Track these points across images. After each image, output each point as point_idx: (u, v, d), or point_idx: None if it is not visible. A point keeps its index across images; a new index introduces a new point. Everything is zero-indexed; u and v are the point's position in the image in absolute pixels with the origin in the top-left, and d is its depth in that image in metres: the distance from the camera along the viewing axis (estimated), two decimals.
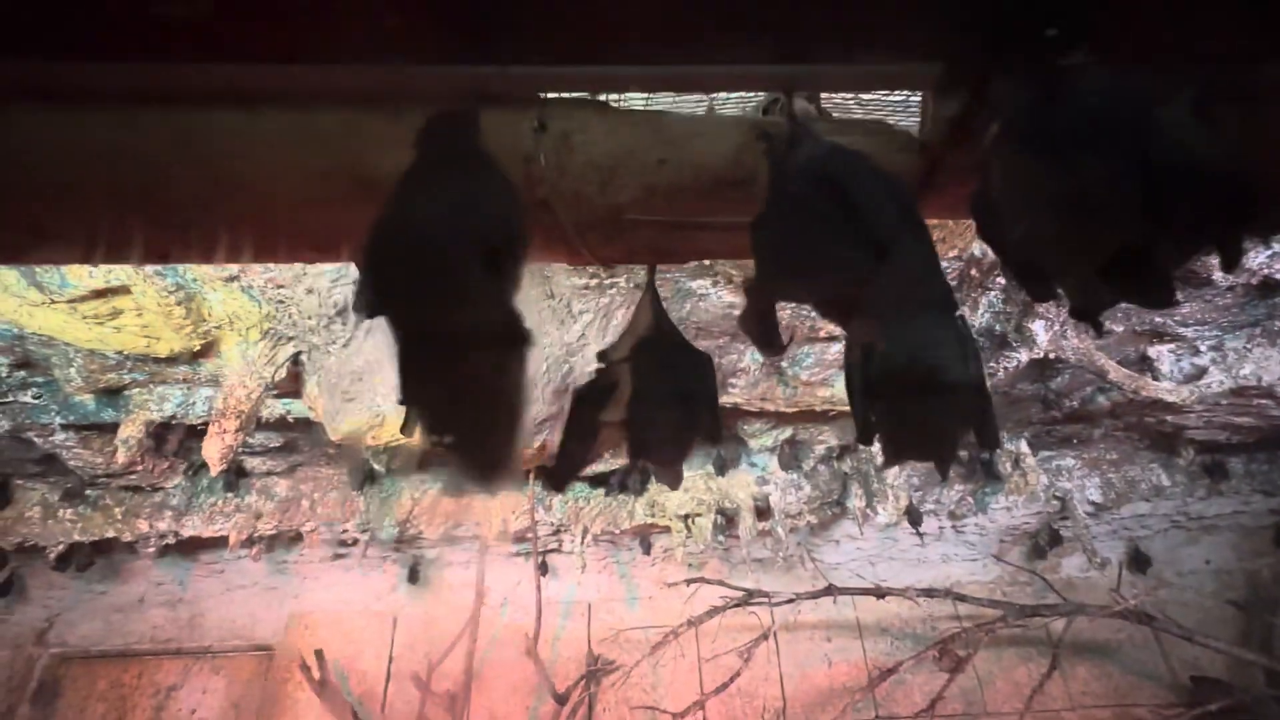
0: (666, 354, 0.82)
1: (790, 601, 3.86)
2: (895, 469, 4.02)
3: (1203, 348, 3.20)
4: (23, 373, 2.94)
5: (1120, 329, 3.01)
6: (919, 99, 0.66)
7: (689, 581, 3.89)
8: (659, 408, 0.81)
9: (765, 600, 3.82)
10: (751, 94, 0.90)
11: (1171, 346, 3.21)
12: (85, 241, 0.60)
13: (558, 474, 0.93)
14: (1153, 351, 3.19)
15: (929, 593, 4.03)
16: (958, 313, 0.70)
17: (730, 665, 4.50)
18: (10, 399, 3.05)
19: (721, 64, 0.51)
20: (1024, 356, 2.99)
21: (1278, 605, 4.92)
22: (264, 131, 0.54)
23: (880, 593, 3.97)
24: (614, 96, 0.63)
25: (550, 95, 0.58)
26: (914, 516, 4.39)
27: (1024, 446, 4.15)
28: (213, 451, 2.58)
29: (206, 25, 0.45)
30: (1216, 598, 5.12)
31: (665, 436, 0.81)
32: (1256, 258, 2.49)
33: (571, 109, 0.58)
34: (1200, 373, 3.25)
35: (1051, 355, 3.10)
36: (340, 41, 0.47)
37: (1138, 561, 5.18)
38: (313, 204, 0.56)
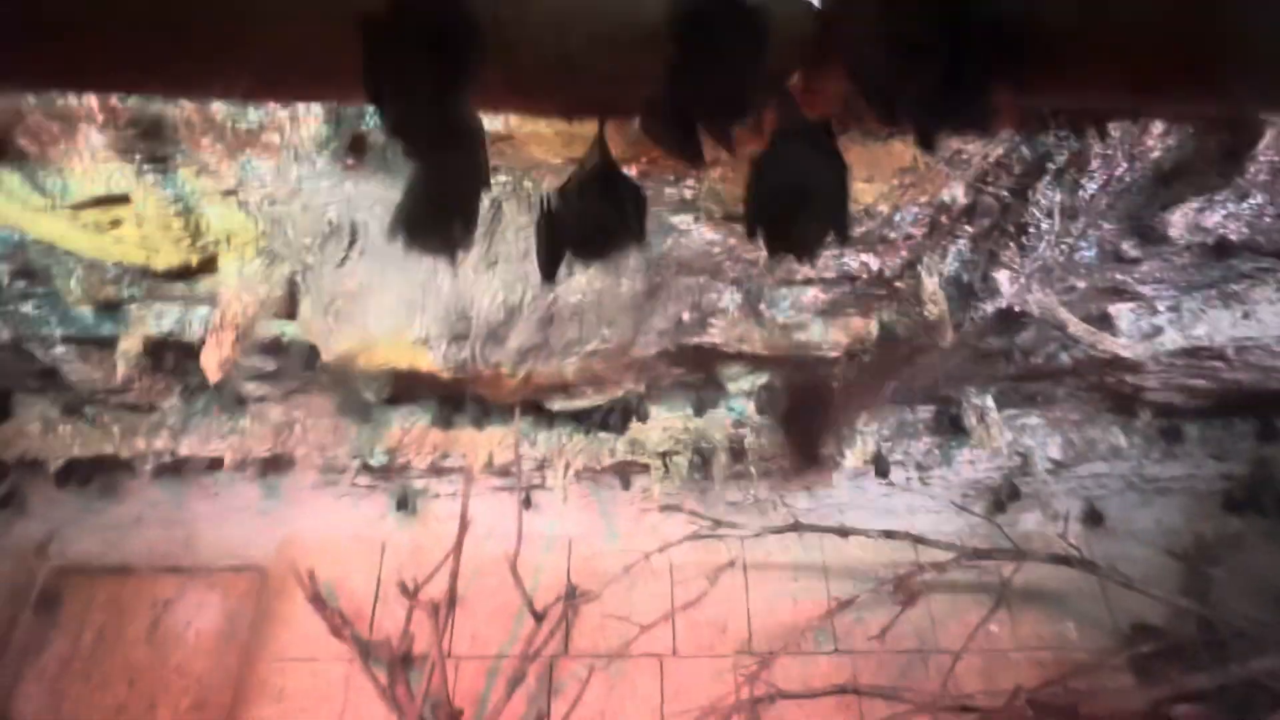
0: (607, 179, 0.95)
1: (757, 535, 4.08)
2: (865, 416, 4.20)
3: (1160, 307, 3.36)
4: (23, 282, 3.02)
5: (1083, 285, 3.15)
6: None
7: (663, 508, 4.11)
8: (593, 216, 0.94)
9: (734, 531, 4.04)
10: None
11: (1132, 305, 3.36)
12: (129, 69, 0.70)
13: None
14: (1113, 309, 3.35)
15: (890, 534, 4.27)
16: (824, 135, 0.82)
17: (706, 600, 4.78)
18: (11, 308, 3.14)
19: None
20: (989, 308, 3.14)
21: (1217, 561, 5.23)
22: None
23: (843, 531, 4.21)
24: None
25: None
26: (881, 465, 4.61)
27: (989, 402, 4.35)
28: (210, 361, 2.71)
29: None
30: (1163, 555, 5.42)
31: (596, 230, 0.96)
32: (1211, 216, 2.61)
33: None
34: (1157, 331, 3.41)
35: (1016, 308, 3.25)
36: None
37: (1092, 518, 5.46)
38: (318, 35, 0.67)
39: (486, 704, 4.52)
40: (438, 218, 0.83)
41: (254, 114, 2.10)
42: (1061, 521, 5.18)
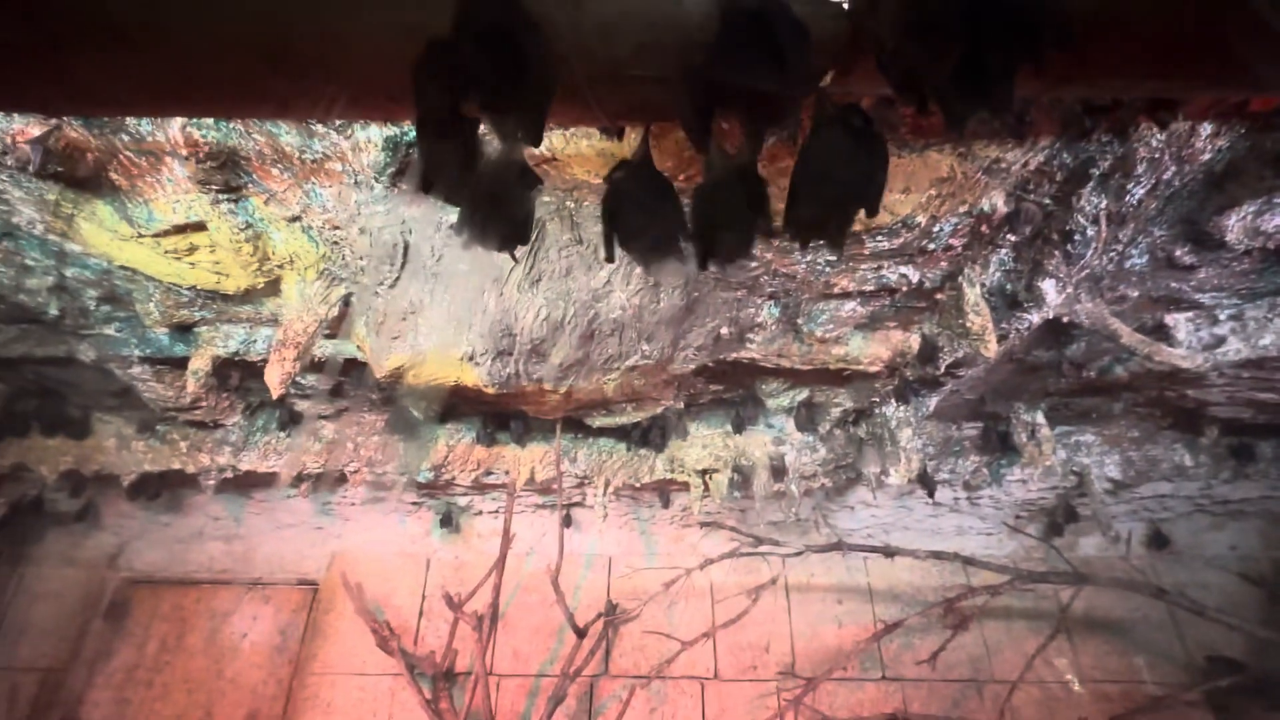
0: (649, 176, 1.01)
1: (799, 554, 4.02)
2: (909, 433, 4.12)
3: (1222, 316, 3.23)
4: (108, 306, 3.27)
5: (1135, 293, 3.06)
6: None
7: (702, 524, 4.09)
8: (641, 208, 1.00)
9: (775, 550, 3.99)
10: None
11: (1190, 314, 3.23)
12: (228, 93, 0.80)
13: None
14: (1170, 319, 3.23)
15: (938, 555, 4.14)
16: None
17: (744, 618, 4.70)
18: (97, 331, 3.40)
19: None
20: (1035, 318, 3.07)
21: None
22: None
23: (889, 551, 4.10)
24: None
25: None
26: (927, 482, 4.49)
27: (1040, 418, 4.21)
28: (274, 377, 2.87)
29: None
30: (1239, 582, 5.08)
31: (644, 224, 1.02)
32: (1272, 219, 2.52)
33: None
34: (1219, 342, 3.27)
35: (1065, 318, 3.17)
36: None
37: (1158, 542, 5.17)
38: (400, 58, 0.75)
39: None
40: (498, 216, 0.91)
41: (319, 144, 2.27)
42: (1124, 545, 4.93)
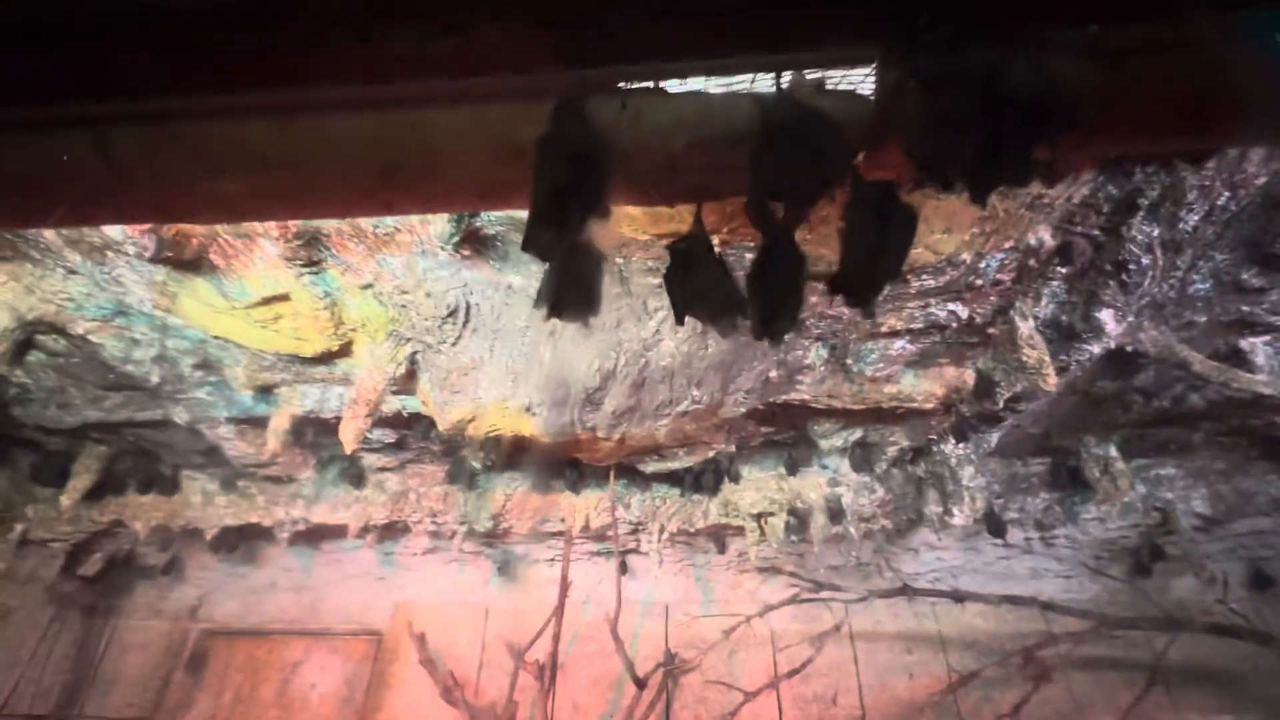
0: (707, 253, 1.10)
1: (863, 599, 3.89)
2: (971, 471, 4.00)
3: None
4: (201, 372, 3.58)
5: (1203, 319, 2.95)
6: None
7: (760, 570, 4.02)
8: (701, 276, 1.09)
9: (836, 595, 3.88)
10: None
11: (1267, 338, 3.09)
12: (345, 201, 0.95)
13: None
14: (1245, 344, 3.09)
15: (1013, 599, 3.94)
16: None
17: (808, 668, 4.54)
18: (190, 395, 3.70)
19: (735, 57, 0.81)
20: (1096, 349, 3.00)
21: None
22: (458, 119, 0.89)
23: (959, 597, 3.93)
24: (672, 83, 0.96)
25: (628, 85, 0.91)
26: (995, 524, 4.31)
27: (1113, 450, 4.02)
28: (348, 433, 3.06)
29: (428, 57, 0.79)
30: None
31: (706, 295, 1.10)
32: None
33: (641, 93, 0.91)
34: None
35: (1128, 348, 3.08)
36: (500, 61, 0.81)
37: (1259, 582, 4.77)
38: (487, 165, 0.88)
39: None
40: (575, 291, 1.03)
41: (391, 219, 2.49)
42: (1221, 586, 4.57)
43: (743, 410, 3.54)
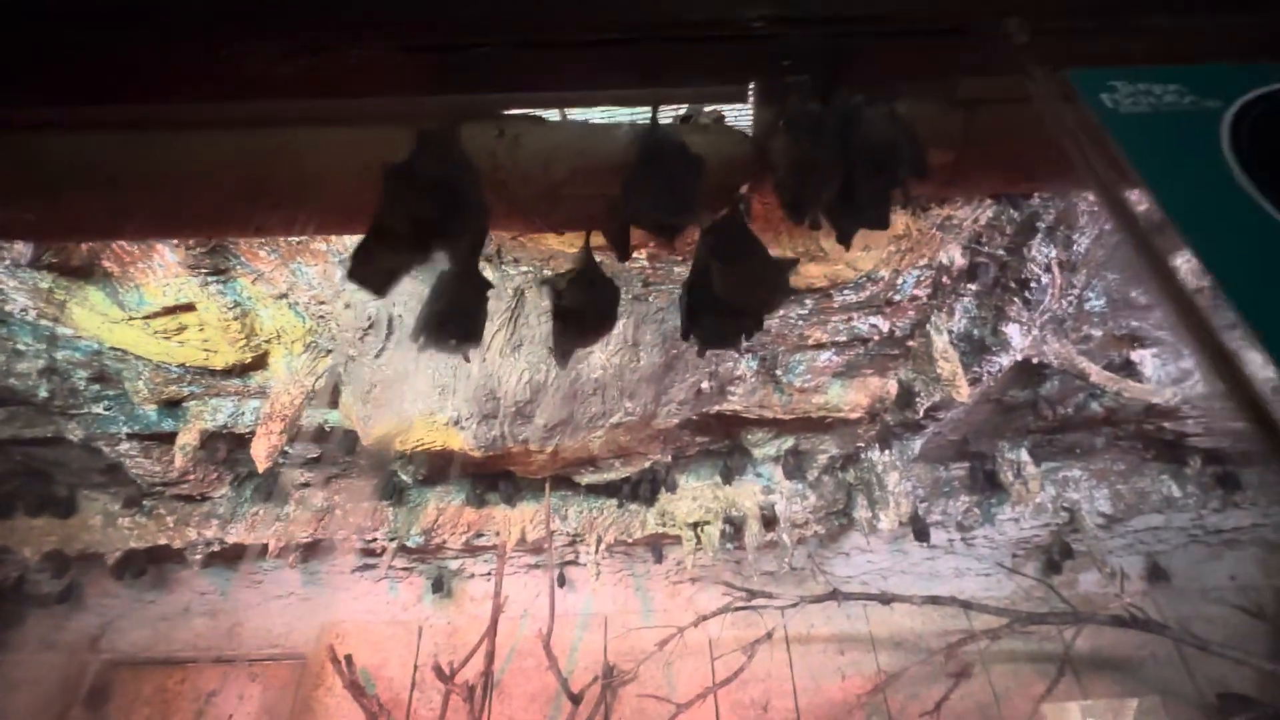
0: (593, 280, 1.10)
1: (795, 605, 3.97)
2: (896, 477, 4.15)
3: (1185, 350, 3.33)
4: (98, 386, 3.32)
5: (1099, 333, 3.16)
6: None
7: (694, 580, 4.04)
8: (584, 310, 1.08)
9: (769, 602, 3.94)
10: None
11: (1154, 350, 3.34)
12: (214, 221, 0.88)
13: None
14: (1135, 355, 3.33)
15: (935, 600, 4.10)
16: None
17: (745, 673, 4.60)
18: (85, 410, 3.43)
19: (618, 90, 0.80)
20: (1005, 361, 3.16)
21: None
22: (326, 141, 0.84)
23: (886, 599, 4.06)
24: (549, 113, 0.94)
25: (506, 112, 0.89)
26: (920, 530, 4.49)
27: (1024, 455, 4.25)
28: (260, 450, 2.90)
29: (298, 77, 0.74)
30: (1241, 614, 5.02)
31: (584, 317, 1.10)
32: None
33: (520, 120, 0.90)
34: (1185, 375, 3.36)
35: (1034, 359, 3.27)
36: (361, 84, 0.78)
37: (1156, 575, 5.14)
38: (357, 188, 0.84)
39: None
40: (454, 321, 0.99)
41: None
42: (1120, 580, 4.89)
43: (676, 421, 3.55)
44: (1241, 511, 4.82)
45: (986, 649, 4.31)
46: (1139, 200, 0.57)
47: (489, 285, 1.05)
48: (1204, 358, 0.46)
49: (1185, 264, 0.56)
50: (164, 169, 0.83)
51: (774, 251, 1.00)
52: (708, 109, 1.04)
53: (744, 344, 1.08)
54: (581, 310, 1.11)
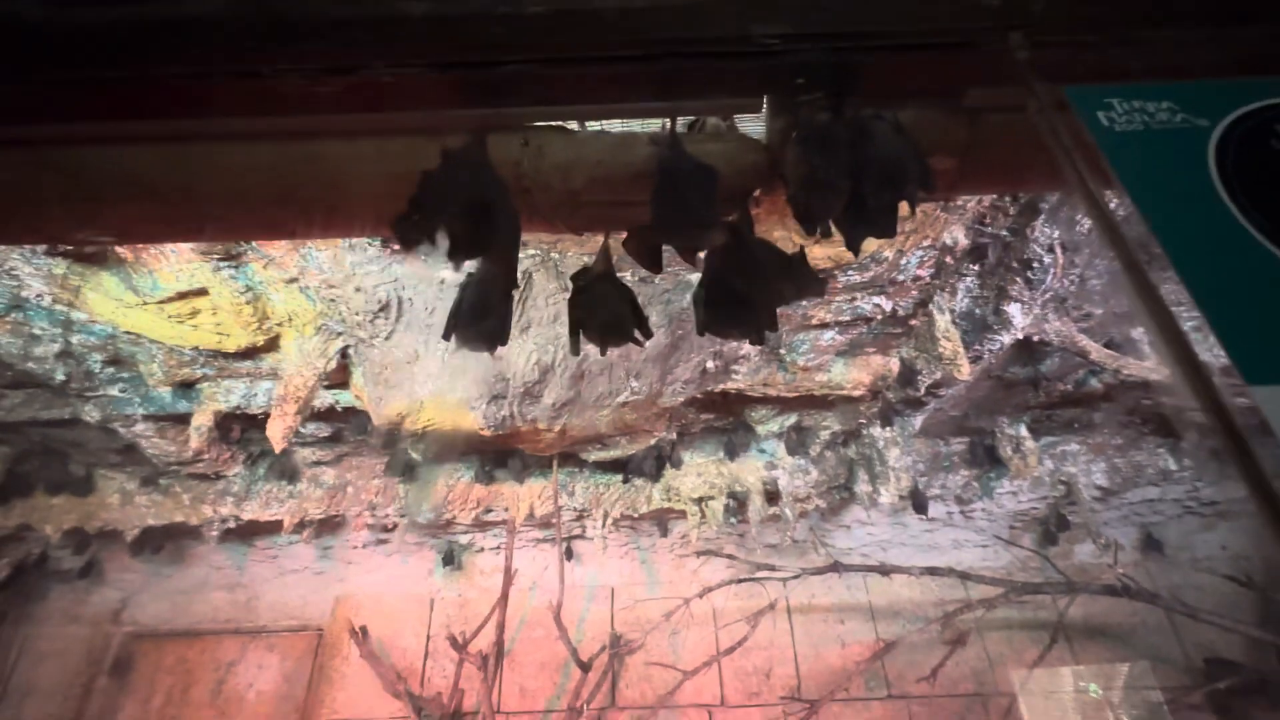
0: (610, 282, 1.14)
1: (797, 577, 4.09)
2: (897, 452, 4.23)
3: (1185, 328, 3.36)
4: (112, 369, 3.38)
5: (1100, 312, 3.20)
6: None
7: (699, 554, 4.16)
8: (603, 308, 1.13)
9: (771, 574, 4.06)
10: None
11: None
12: (242, 227, 0.92)
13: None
14: (1136, 333, 3.37)
15: (933, 571, 4.21)
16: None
17: (748, 643, 4.75)
18: (101, 392, 3.49)
19: (636, 104, 0.84)
20: (1006, 339, 3.21)
21: None
22: (359, 153, 0.88)
23: (885, 570, 4.17)
24: (572, 124, 0.97)
25: (531, 124, 0.93)
26: (919, 501, 4.58)
27: (1023, 430, 4.32)
28: (275, 432, 2.97)
29: (334, 95, 0.78)
30: (1232, 583, 5.15)
31: (606, 321, 1.14)
32: None
33: (544, 131, 0.93)
34: None
35: (1035, 338, 3.31)
36: (392, 101, 0.81)
37: (1151, 546, 5.25)
38: (386, 195, 0.89)
39: None
40: (482, 321, 1.04)
41: None
42: (1114, 551, 5.00)
43: (681, 400, 3.61)
44: (1235, 483, 4.89)
45: (982, 618, 4.44)
46: (1126, 217, 0.61)
47: (515, 286, 1.09)
48: (1174, 366, 0.50)
49: (1166, 281, 0.61)
50: (202, 178, 0.86)
51: (778, 240, 1.04)
52: (721, 121, 1.08)
53: (763, 337, 1.13)
54: (596, 316, 1.15)
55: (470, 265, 0.98)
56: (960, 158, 0.86)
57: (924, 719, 4.74)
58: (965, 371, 2.98)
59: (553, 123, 0.95)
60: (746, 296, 1.03)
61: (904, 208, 0.84)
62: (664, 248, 1.00)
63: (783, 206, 0.87)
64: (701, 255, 1.03)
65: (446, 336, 1.06)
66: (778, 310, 1.16)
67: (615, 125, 1.22)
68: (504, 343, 1.12)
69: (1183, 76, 0.66)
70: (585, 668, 3.87)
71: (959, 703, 4.82)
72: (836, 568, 4.16)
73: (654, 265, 1.02)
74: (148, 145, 0.83)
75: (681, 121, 1.02)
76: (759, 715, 4.72)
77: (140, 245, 2.21)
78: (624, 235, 0.97)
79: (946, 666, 4.66)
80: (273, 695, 5.15)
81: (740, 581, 4.23)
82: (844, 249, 2.64)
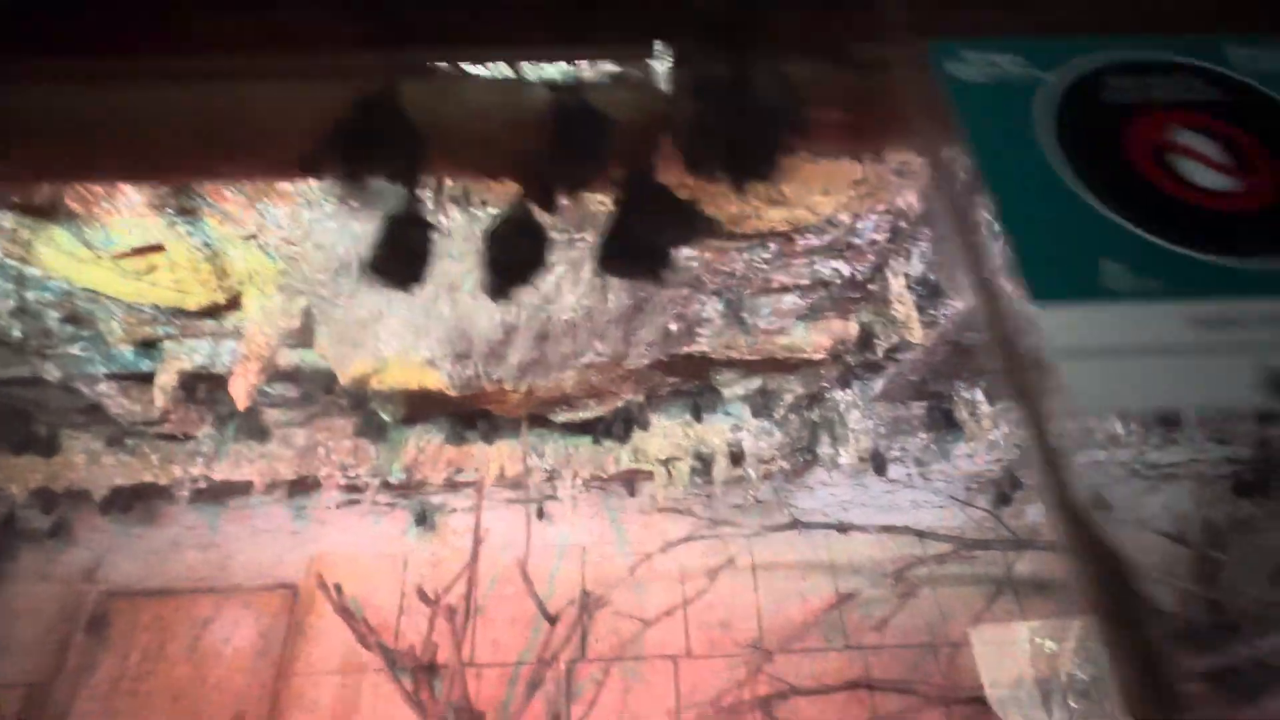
0: (515, 225, 1.19)
1: (756, 535, 4.25)
2: (858, 415, 4.36)
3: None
4: (71, 327, 3.34)
5: None
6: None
7: (664, 510, 4.29)
8: (506, 251, 1.18)
9: (734, 531, 4.21)
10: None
11: None
12: (174, 168, 0.94)
13: None
14: None
15: (888, 528, 4.39)
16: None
17: (712, 598, 4.95)
18: (61, 350, 3.46)
19: (539, 48, 0.87)
20: (960, 304, 3.30)
21: (1226, 544, 5.25)
22: (274, 95, 0.91)
23: (842, 527, 4.35)
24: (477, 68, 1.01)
25: (437, 64, 0.96)
26: (878, 463, 4.75)
27: (979, 395, 4.47)
28: (239, 389, 2.98)
29: (242, 34, 0.80)
30: (1171, 541, 5.44)
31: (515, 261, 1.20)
32: None
33: (448, 75, 0.97)
34: None
35: None
36: (302, 43, 0.84)
37: (1099, 505, 5.51)
38: (305, 139, 0.91)
39: (508, 708, 4.71)
40: (399, 257, 1.08)
41: None
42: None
43: (646, 362, 3.68)
44: (1178, 448, 5.15)
45: (934, 572, 4.65)
46: (963, 165, 0.67)
47: (431, 227, 1.13)
48: (979, 300, 0.57)
49: (985, 219, 0.67)
50: (130, 116, 0.88)
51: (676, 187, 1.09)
52: (617, 68, 1.10)
53: (661, 278, 1.18)
54: (510, 254, 1.20)
55: (388, 207, 1.02)
56: (844, 111, 0.91)
57: (879, 668, 4.99)
58: (918, 335, 3.08)
59: (459, 64, 0.98)
60: (644, 239, 1.08)
61: (793, 162, 0.90)
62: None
63: (681, 153, 0.92)
64: (565, 202, 1.08)
65: (361, 273, 1.10)
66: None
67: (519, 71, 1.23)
68: (418, 283, 1.16)
69: (1044, 31, 0.71)
70: (552, 620, 4.02)
71: (912, 652, 5.08)
72: (795, 525, 4.33)
73: (547, 206, 1.06)
74: (70, 84, 0.84)
75: (589, 73, 1.05)
76: (722, 665, 4.93)
77: (70, 190, 2.18)
78: (527, 179, 1.01)
79: (901, 619, 4.91)
80: (249, 650, 5.25)
81: (703, 538, 4.38)
82: (798, 211, 2.68)
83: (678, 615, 5.09)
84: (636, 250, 1.09)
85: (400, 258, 1.09)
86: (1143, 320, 0.53)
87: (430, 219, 1.11)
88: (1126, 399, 0.60)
